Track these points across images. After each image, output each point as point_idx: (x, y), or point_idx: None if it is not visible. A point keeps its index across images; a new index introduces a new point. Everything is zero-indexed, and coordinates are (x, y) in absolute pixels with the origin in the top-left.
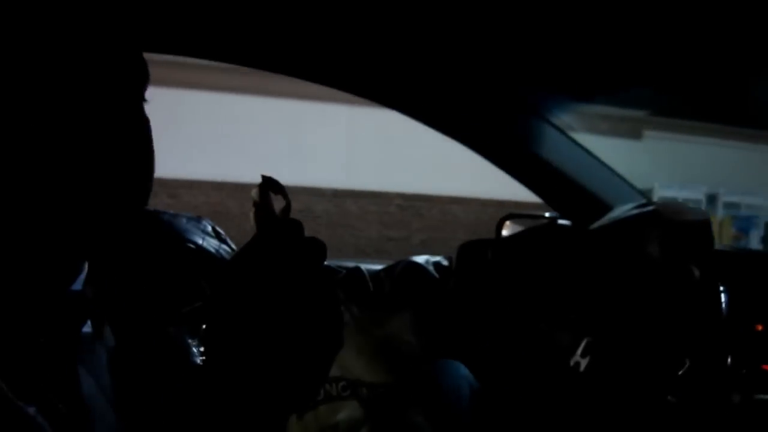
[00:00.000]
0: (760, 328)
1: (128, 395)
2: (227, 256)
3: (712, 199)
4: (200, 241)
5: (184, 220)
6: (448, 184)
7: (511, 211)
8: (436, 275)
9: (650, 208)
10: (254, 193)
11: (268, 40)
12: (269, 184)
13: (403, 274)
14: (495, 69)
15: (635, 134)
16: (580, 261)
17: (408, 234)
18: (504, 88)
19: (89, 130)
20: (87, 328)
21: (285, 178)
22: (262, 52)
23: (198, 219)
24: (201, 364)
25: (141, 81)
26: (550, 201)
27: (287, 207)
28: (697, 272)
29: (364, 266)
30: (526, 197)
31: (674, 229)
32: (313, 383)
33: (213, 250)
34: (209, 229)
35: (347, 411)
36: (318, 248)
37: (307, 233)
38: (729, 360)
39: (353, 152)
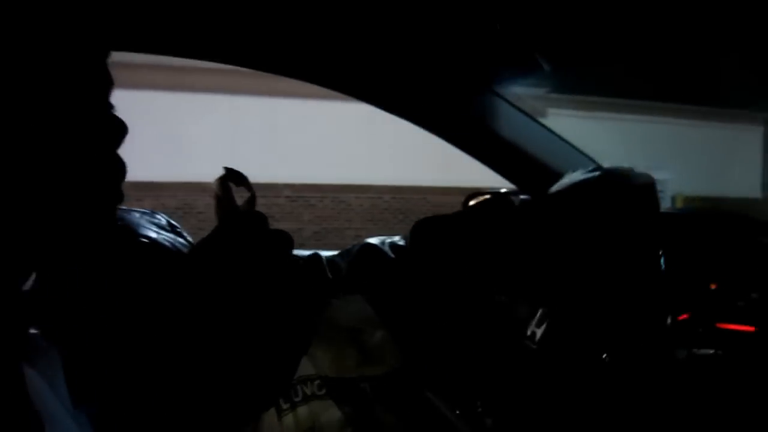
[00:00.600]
0: (713, 286)
1: (89, 396)
2: (184, 250)
3: None
4: (154, 235)
5: (136, 215)
6: (339, 171)
7: (407, 197)
8: (392, 255)
9: (596, 173)
10: (216, 185)
11: (221, 30)
12: (231, 175)
13: (359, 257)
14: (446, 45)
15: (540, 112)
16: (531, 230)
17: (299, 226)
18: (454, 63)
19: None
20: (36, 329)
21: (163, 174)
22: (220, 43)
23: (151, 213)
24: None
25: (105, 85)
26: (507, 175)
27: (252, 199)
28: (642, 234)
29: (322, 252)
30: (425, 182)
31: (619, 192)
32: (283, 382)
33: (168, 244)
34: (164, 222)
35: (325, 413)
36: (284, 241)
37: (190, 230)
38: (675, 318)
39: (237, 143)
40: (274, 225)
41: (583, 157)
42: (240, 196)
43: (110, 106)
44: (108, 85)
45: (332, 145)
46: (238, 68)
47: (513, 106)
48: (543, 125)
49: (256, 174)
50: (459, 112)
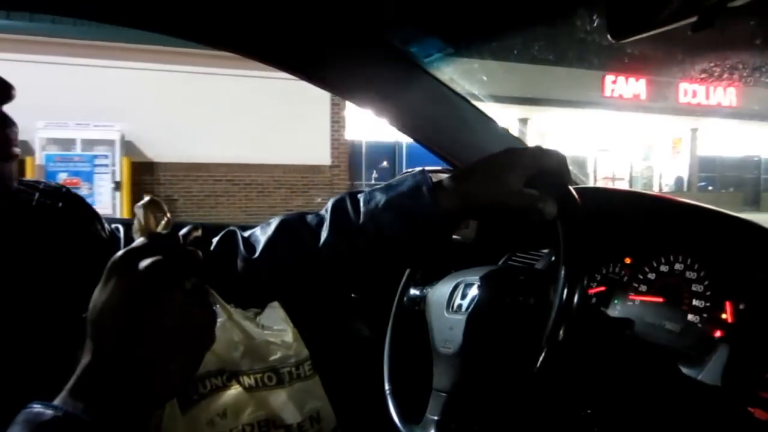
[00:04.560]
0: (628, 260)
1: None
2: None
3: None
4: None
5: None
6: None
7: None
8: (314, 227)
9: None
10: (139, 211)
11: None
12: (151, 203)
13: (277, 233)
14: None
15: None
16: None
17: None
18: (369, 33)
19: None
20: None
21: None
22: None
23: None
24: None
25: None
26: (439, 153)
27: (168, 222)
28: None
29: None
30: None
31: None
32: (184, 378)
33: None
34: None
35: (232, 396)
36: (195, 262)
37: None
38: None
39: None
40: None
41: (512, 137)
42: None
43: None
44: None
45: None
46: None
47: (438, 81)
48: (471, 103)
49: None
50: (373, 82)
